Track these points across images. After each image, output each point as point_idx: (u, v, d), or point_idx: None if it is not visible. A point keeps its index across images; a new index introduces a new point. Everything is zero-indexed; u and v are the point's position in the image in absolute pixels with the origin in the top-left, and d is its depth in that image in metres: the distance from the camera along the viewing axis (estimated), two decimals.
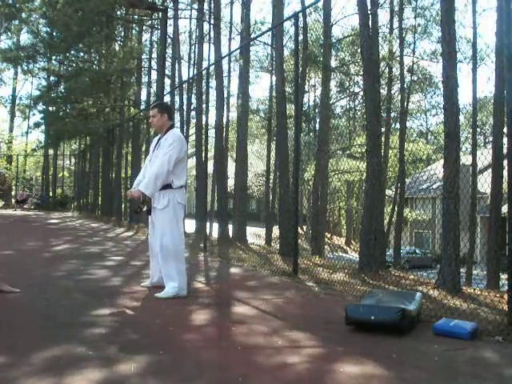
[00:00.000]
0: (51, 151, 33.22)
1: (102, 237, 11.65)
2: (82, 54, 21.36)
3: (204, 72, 11.81)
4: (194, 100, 18.65)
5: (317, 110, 23.97)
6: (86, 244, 9.60)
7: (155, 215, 4.48)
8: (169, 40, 20.00)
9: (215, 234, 13.28)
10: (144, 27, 22.65)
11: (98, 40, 18.70)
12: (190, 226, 15.38)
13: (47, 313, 3.83)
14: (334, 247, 24.82)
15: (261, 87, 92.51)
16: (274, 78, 20.45)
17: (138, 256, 7.70)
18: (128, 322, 3.66)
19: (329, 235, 27.16)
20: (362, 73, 16.10)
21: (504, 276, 9.42)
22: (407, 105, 22.48)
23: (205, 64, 17.69)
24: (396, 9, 20.80)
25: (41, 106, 24.88)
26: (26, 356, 2.76)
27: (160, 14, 16.28)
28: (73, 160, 34.48)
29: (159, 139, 4.60)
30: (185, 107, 17.82)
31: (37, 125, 26.50)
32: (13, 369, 2.56)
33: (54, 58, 21.47)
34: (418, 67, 23.75)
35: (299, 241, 7.29)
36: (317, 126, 20.64)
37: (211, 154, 16.15)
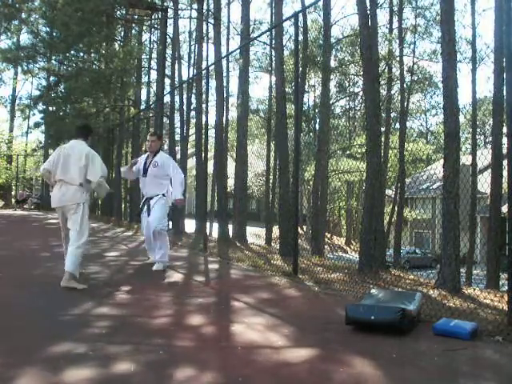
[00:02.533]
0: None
1: (101, 236, 11.64)
2: (81, 54, 21.32)
3: (204, 72, 11.80)
4: (193, 100, 18.69)
5: (317, 110, 23.93)
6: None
7: (153, 210, 6.12)
8: (169, 40, 20.00)
9: (215, 234, 13.27)
10: (144, 27, 22.64)
11: (97, 40, 18.67)
12: (190, 225, 15.38)
13: (47, 312, 3.83)
14: (333, 247, 24.82)
15: (261, 87, 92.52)
16: (273, 78, 20.43)
17: (138, 255, 7.69)
18: (128, 322, 3.66)
19: (329, 235, 27.15)
20: (361, 73, 16.10)
21: (504, 276, 9.42)
22: (407, 105, 22.45)
23: (204, 64, 17.69)
24: (395, 9, 20.80)
25: (41, 106, 24.93)
26: (26, 355, 2.76)
27: (160, 13, 16.29)
28: None
29: (152, 158, 6.27)
30: (185, 107, 17.82)
31: (37, 125, 26.57)
32: (12, 368, 2.56)
33: (53, 57, 21.47)
34: (417, 67, 23.72)
35: (299, 241, 7.29)
36: (317, 126, 20.62)
37: (211, 153, 16.15)
